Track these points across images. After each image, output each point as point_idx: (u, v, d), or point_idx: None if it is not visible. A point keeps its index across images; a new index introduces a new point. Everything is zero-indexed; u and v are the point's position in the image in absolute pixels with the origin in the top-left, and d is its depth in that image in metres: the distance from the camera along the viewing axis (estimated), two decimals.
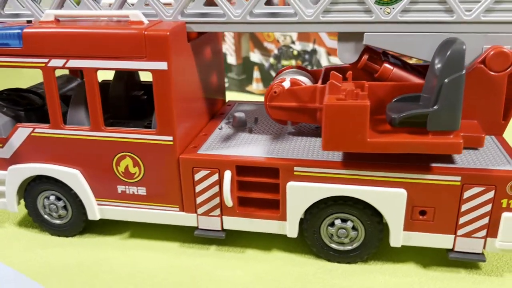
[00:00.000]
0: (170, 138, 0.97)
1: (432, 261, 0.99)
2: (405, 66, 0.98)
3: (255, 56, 2.11)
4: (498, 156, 0.93)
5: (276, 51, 2.03)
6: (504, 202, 0.88)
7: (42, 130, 1.03)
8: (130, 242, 1.11)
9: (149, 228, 1.13)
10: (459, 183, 0.88)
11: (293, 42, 1.96)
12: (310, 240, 1.00)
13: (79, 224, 1.11)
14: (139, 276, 0.99)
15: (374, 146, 0.85)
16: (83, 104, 1.04)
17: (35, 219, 1.13)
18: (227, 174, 0.97)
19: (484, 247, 0.92)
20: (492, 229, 0.90)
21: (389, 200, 0.91)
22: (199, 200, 1.01)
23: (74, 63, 0.96)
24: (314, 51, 1.91)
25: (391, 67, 0.96)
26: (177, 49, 0.94)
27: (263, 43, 2.05)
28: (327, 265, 1.00)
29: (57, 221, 1.12)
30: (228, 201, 0.98)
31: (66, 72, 1.35)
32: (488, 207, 0.89)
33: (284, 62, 2.02)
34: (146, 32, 0.91)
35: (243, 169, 0.98)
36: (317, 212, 0.97)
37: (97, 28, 0.94)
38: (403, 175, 0.90)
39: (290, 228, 0.99)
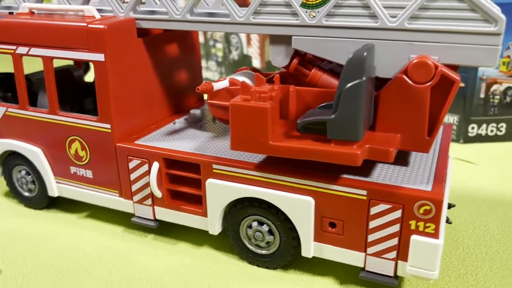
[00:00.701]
0: (108, 126, 1.03)
1: (350, 280, 0.95)
2: (335, 73, 0.94)
3: None
4: (422, 174, 0.86)
5: None
6: (413, 223, 0.81)
7: (13, 110, 1.15)
8: (84, 221, 1.19)
9: (107, 212, 1.21)
10: (365, 198, 0.83)
11: None
12: (231, 240, 1.00)
13: (44, 199, 1.21)
14: (73, 253, 1.06)
15: (276, 150, 0.84)
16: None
17: (11, 190, 1.26)
18: (155, 166, 1.00)
19: (395, 270, 0.86)
20: (402, 252, 0.83)
21: (297, 207, 0.89)
22: (134, 188, 1.06)
23: (35, 51, 1.06)
24: None
25: (320, 73, 0.93)
26: (117, 43, 1.00)
27: None
28: (246, 268, 1.00)
29: (27, 194, 1.24)
30: (156, 192, 1.02)
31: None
32: (396, 227, 0.82)
33: None
34: (88, 26, 0.98)
35: (171, 162, 1.01)
36: (235, 211, 0.97)
37: (52, 20, 1.03)
38: (310, 182, 0.87)
39: (211, 224, 1.00)
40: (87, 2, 1.09)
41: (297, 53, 0.94)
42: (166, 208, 1.05)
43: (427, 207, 0.79)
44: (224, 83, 1.01)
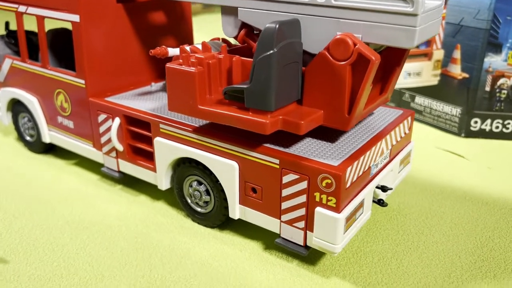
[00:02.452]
0: (83, 81, 1.15)
1: (274, 245, 0.99)
2: None
3: None
4: (340, 151, 0.87)
5: None
6: (317, 195, 0.83)
7: (17, 62, 1.31)
8: (70, 167, 1.33)
9: (92, 161, 1.34)
10: (278, 167, 0.87)
11: None
12: (177, 196, 1.08)
13: (41, 145, 1.37)
14: (48, 191, 1.20)
15: (203, 114, 0.89)
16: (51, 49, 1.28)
17: (18, 134, 1.44)
18: (116, 121, 1.10)
19: (305, 240, 0.89)
20: (309, 222, 0.87)
21: (224, 169, 0.94)
22: (102, 140, 1.17)
23: (31, 10, 1.19)
24: None
25: None
26: (92, 7, 1.10)
27: None
28: (188, 223, 1.07)
29: (29, 139, 1.40)
30: (116, 145, 1.12)
31: None
32: (303, 198, 0.85)
33: None
34: None
35: (130, 119, 1.10)
36: (179, 170, 1.04)
37: None
38: (234, 148, 0.92)
39: (159, 180, 1.08)
40: None
41: (245, 25, 0.98)
42: (127, 162, 1.15)
43: (328, 181, 0.82)
44: (174, 50, 1.08)
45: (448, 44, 1.52)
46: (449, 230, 1.06)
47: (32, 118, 1.34)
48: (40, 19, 1.18)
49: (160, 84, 1.27)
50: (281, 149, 0.90)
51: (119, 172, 1.18)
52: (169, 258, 0.96)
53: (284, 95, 0.85)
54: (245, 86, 0.84)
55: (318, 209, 0.84)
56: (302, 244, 0.90)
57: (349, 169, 0.83)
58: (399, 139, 1.04)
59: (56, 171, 1.31)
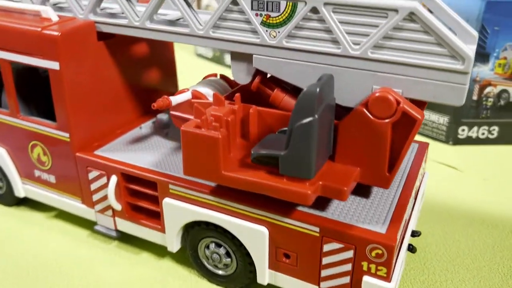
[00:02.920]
0: (67, 135, 1.00)
1: None
2: (295, 90, 0.88)
3: None
4: (380, 210, 0.82)
5: None
6: (365, 265, 0.78)
7: None
8: (51, 222, 1.18)
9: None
10: (318, 234, 0.80)
11: None
12: (191, 258, 0.99)
13: (12, 197, 1.20)
14: (32, 258, 1.05)
15: (229, 180, 0.80)
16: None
17: None
18: (112, 180, 0.98)
19: None
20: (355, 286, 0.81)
21: (252, 235, 0.86)
22: (95, 197, 1.04)
23: None
24: None
25: (283, 94, 0.88)
26: (74, 50, 0.95)
27: None
28: (205, 285, 0.99)
29: None
30: (114, 205, 1.00)
31: None
32: (348, 266, 0.80)
33: None
34: (42, 31, 0.93)
35: (130, 177, 0.98)
36: (193, 232, 0.94)
37: (8, 21, 0.98)
38: (264, 213, 0.84)
39: (169, 242, 0.98)
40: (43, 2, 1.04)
41: (259, 71, 0.89)
42: (126, 220, 1.03)
43: (379, 251, 0.76)
44: (185, 96, 0.96)
45: None
46: (471, 263, 1.05)
47: (0, 170, 1.17)
48: (6, 64, 1.01)
49: (148, 124, 1.14)
50: (319, 213, 0.82)
51: (117, 231, 1.06)
52: None
53: (320, 156, 0.77)
54: (280, 153, 0.75)
55: (367, 279, 0.78)
56: None
57: (398, 235, 0.77)
58: (421, 178, 1.01)
59: (36, 229, 1.15)
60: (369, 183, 0.82)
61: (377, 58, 0.75)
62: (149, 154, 1.01)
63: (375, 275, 0.78)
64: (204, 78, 1.09)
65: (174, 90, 1.29)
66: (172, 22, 0.94)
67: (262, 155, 0.78)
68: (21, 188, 1.16)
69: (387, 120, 0.75)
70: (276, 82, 0.90)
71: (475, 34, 0.80)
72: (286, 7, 0.79)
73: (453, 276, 1.01)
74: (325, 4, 0.75)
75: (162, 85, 1.24)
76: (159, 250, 1.08)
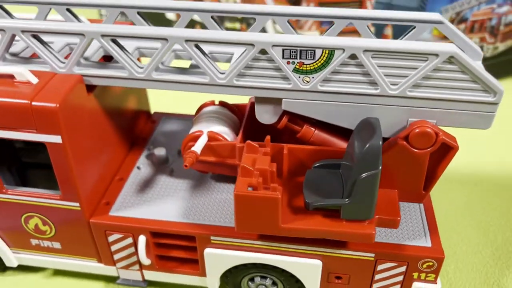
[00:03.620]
0: (76, 204, 0.91)
1: None
2: (327, 127, 0.90)
3: None
4: (417, 226, 0.91)
5: None
6: (416, 275, 0.88)
7: None
8: (52, 282, 1.09)
9: None
10: (372, 259, 0.88)
11: None
12: None
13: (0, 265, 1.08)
14: None
15: (288, 231, 0.82)
16: None
17: None
18: (141, 240, 0.93)
19: None
20: None
21: (305, 268, 0.91)
22: (116, 257, 0.98)
23: None
24: None
25: (313, 129, 0.89)
26: (74, 116, 0.84)
27: None
28: None
29: None
30: (145, 262, 0.96)
31: None
32: (400, 278, 0.89)
33: (228, 25, 1.86)
34: (33, 103, 0.79)
35: (160, 234, 0.94)
36: (237, 271, 0.96)
37: None
38: (318, 249, 0.88)
39: (210, 284, 0.98)
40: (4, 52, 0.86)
41: (287, 111, 0.87)
42: (156, 271, 1.00)
43: (430, 263, 0.86)
44: (204, 140, 0.92)
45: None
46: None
47: None
48: None
49: (143, 161, 1.06)
50: None
51: (144, 281, 1.02)
52: None
53: None
54: (345, 202, 0.78)
55: (416, 284, 0.89)
56: None
57: (441, 245, 0.88)
58: None
59: None
60: (405, 201, 0.89)
61: (415, 96, 0.79)
62: (170, 202, 0.96)
63: (424, 281, 0.89)
64: (201, 107, 1.03)
65: (145, 107, 1.20)
66: (183, 70, 0.86)
67: (322, 206, 0.80)
68: (13, 258, 1.03)
69: (427, 150, 0.82)
70: (302, 119, 0.90)
71: (480, 51, 0.87)
72: (322, 54, 0.77)
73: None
74: (365, 51, 0.76)
75: (137, 107, 1.15)
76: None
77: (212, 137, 0.93)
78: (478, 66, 0.77)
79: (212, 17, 0.92)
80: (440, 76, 0.77)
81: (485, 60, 1.67)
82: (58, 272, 1.11)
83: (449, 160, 0.83)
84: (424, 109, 0.81)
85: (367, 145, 0.74)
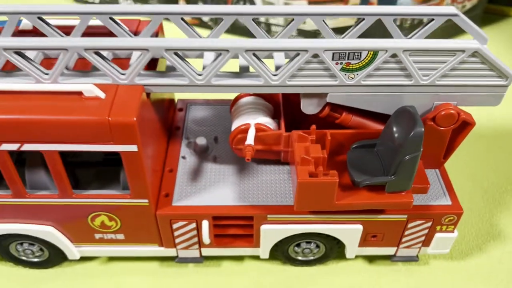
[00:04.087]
0: (146, 201, 1.00)
1: (375, 259, 1.21)
2: (362, 112, 1.03)
3: None
4: (437, 189, 1.09)
5: None
6: (438, 227, 1.07)
7: (4, 199, 0.99)
8: (112, 267, 1.20)
9: None
10: (405, 219, 1.05)
11: None
12: (280, 256, 1.16)
13: (59, 261, 1.16)
14: None
15: (341, 207, 0.97)
16: (42, 166, 1.00)
17: (11, 261, 1.16)
18: (205, 224, 1.04)
19: (418, 253, 1.15)
20: (426, 243, 1.11)
21: (348, 233, 1.07)
22: (178, 240, 1.09)
23: (30, 146, 0.89)
24: None
25: (350, 116, 1.02)
26: (145, 125, 0.91)
27: None
28: (293, 270, 1.19)
29: (35, 260, 1.15)
30: (206, 242, 1.07)
31: None
32: (425, 231, 1.08)
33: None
34: (110, 119, 0.85)
35: (221, 217, 1.05)
36: (286, 240, 1.10)
37: (52, 114, 0.86)
38: (360, 216, 1.04)
39: (263, 253, 1.13)
40: (57, 76, 0.90)
41: (329, 103, 0.99)
42: (213, 248, 1.12)
43: (451, 218, 1.05)
44: (253, 132, 1.02)
45: None
46: None
47: (44, 245, 1.09)
48: (52, 154, 0.90)
49: (186, 151, 1.15)
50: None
51: (201, 257, 1.14)
52: None
53: None
54: (391, 179, 0.93)
55: (438, 235, 1.08)
56: (415, 255, 1.15)
57: (459, 201, 1.06)
58: None
59: (108, 279, 1.15)
60: (427, 168, 1.06)
61: (442, 84, 0.93)
62: (223, 188, 1.07)
63: (444, 232, 1.08)
64: (237, 99, 1.12)
65: (172, 96, 1.27)
66: (237, 74, 0.94)
67: (371, 183, 0.95)
68: (76, 252, 1.11)
69: (450, 127, 0.97)
70: (341, 107, 1.01)
71: (486, 37, 1.01)
72: (367, 55, 0.88)
73: None
74: (404, 50, 0.88)
75: (169, 97, 1.22)
76: (234, 257, 1.21)
77: (259, 128, 1.03)
78: (489, 52, 0.91)
79: (253, 20, 0.99)
80: (463, 67, 0.91)
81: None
82: (112, 258, 1.21)
83: (467, 133, 1.00)
84: (448, 94, 0.96)
85: (412, 132, 0.88)
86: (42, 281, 1.16)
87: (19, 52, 0.88)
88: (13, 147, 0.89)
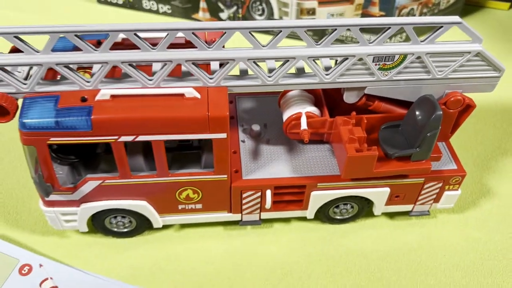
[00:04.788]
0: (225, 176, 1.26)
1: (394, 216, 1.52)
2: (389, 100, 1.31)
3: None
4: (445, 157, 1.39)
5: None
6: (447, 187, 1.39)
7: (112, 181, 1.23)
8: (185, 233, 1.45)
9: None
10: (422, 181, 1.35)
11: None
12: (321, 216, 1.45)
13: (142, 230, 1.41)
14: (203, 264, 1.37)
15: (379, 174, 1.26)
16: (140, 153, 1.24)
17: (102, 232, 1.40)
18: (268, 193, 1.32)
19: (430, 208, 1.46)
20: (437, 199, 1.43)
21: (379, 194, 1.37)
22: (244, 207, 1.37)
23: (143, 137, 1.13)
24: None
25: (381, 103, 1.30)
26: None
27: None
28: (329, 227, 1.48)
29: (125, 230, 1.40)
30: (268, 207, 1.35)
31: None
32: (437, 190, 1.39)
33: None
34: (209, 114, 1.11)
35: (281, 187, 1.33)
36: (329, 203, 1.39)
37: (164, 111, 1.10)
38: (389, 181, 1.34)
39: (310, 214, 1.41)
40: (161, 80, 1.14)
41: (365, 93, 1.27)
42: (270, 212, 1.40)
43: (457, 179, 1.36)
44: (305, 119, 1.29)
45: None
46: None
47: (134, 217, 1.34)
48: (159, 143, 1.15)
49: (244, 136, 1.41)
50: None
51: (260, 220, 1.42)
52: None
53: None
54: (416, 151, 1.22)
55: (447, 193, 1.40)
56: (427, 210, 1.46)
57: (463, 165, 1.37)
58: None
59: (183, 244, 1.41)
60: (437, 141, 1.36)
61: (453, 77, 1.23)
62: (280, 164, 1.34)
63: (451, 189, 1.40)
64: (285, 92, 1.38)
65: None
66: (297, 74, 1.20)
67: (400, 154, 1.23)
68: (159, 220, 1.37)
69: (457, 109, 1.27)
70: (373, 96, 1.29)
71: (481, 37, 1.30)
72: (398, 57, 1.16)
73: None
74: (426, 54, 1.16)
75: None
76: (282, 220, 1.49)
77: (308, 115, 1.30)
78: (487, 52, 1.20)
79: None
80: (468, 64, 1.21)
81: (443, 11, 2.15)
82: (184, 225, 1.47)
83: (469, 114, 1.30)
84: (456, 84, 1.25)
85: (434, 115, 1.17)
86: (129, 247, 1.42)
87: (131, 64, 1.11)
88: (129, 138, 1.13)
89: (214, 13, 2.20)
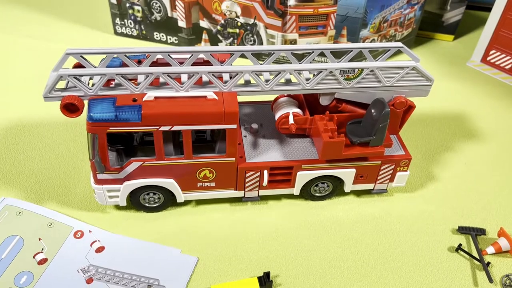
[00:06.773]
0: (234, 159, 1.69)
1: (361, 194, 1.97)
2: (352, 102, 1.78)
3: (204, 23, 2.62)
4: (396, 146, 1.86)
5: (222, 21, 2.58)
6: (399, 168, 1.85)
7: (150, 162, 1.65)
8: (200, 208, 1.86)
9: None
10: (379, 163, 1.81)
11: (237, 17, 2.53)
12: (305, 194, 1.88)
13: (167, 205, 1.82)
14: (216, 229, 1.78)
15: (346, 156, 1.71)
16: (171, 142, 1.67)
17: (136, 207, 1.80)
18: (266, 172, 1.75)
19: (387, 187, 1.91)
20: (391, 179, 1.88)
21: (348, 174, 1.82)
22: (247, 185, 1.79)
23: (176, 127, 1.57)
24: (254, 25, 2.52)
25: (347, 105, 1.77)
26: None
27: (211, 14, 2.57)
28: (311, 203, 1.92)
29: (154, 205, 1.80)
30: (265, 184, 1.78)
31: None
32: (391, 171, 1.85)
33: (230, 30, 2.59)
34: (225, 110, 1.55)
35: (274, 168, 1.76)
36: (310, 182, 1.83)
37: (193, 108, 1.54)
38: (354, 163, 1.79)
39: (296, 191, 1.85)
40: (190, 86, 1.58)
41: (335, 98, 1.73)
42: (267, 189, 1.83)
43: (405, 162, 1.82)
44: (292, 117, 1.74)
45: (338, 26, 2.44)
46: None
47: (163, 193, 1.75)
48: (188, 132, 1.58)
49: (245, 133, 1.85)
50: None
51: (258, 196, 1.84)
52: None
53: None
54: (371, 138, 1.68)
55: (398, 173, 1.86)
56: (385, 188, 1.91)
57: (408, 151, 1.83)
58: None
59: (201, 215, 1.82)
60: (390, 134, 1.82)
61: (397, 85, 1.71)
62: (274, 151, 1.78)
63: (402, 170, 1.86)
64: (276, 99, 1.83)
65: None
66: (286, 83, 1.66)
67: (361, 141, 1.69)
68: (182, 196, 1.78)
69: (401, 110, 1.75)
70: (341, 100, 1.75)
71: (418, 57, 1.79)
72: (357, 71, 1.64)
73: None
74: (377, 68, 1.64)
75: None
76: (275, 197, 1.91)
77: (294, 115, 1.76)
78: (421, 67, 1.69)
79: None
80: (408, 75, 1.69)
81: (399, 41, 2.66)
82: (199, 201, 1.88)
83: (411, 113, 1.79)
84: (400, 90, 1.73)
85: (384, 111, 1.64)
86: (157, 218, 1.82)
87: (169, 75, 1.56)
88: (166, 128, 1.57)
89: (214, 43, 2.68)
